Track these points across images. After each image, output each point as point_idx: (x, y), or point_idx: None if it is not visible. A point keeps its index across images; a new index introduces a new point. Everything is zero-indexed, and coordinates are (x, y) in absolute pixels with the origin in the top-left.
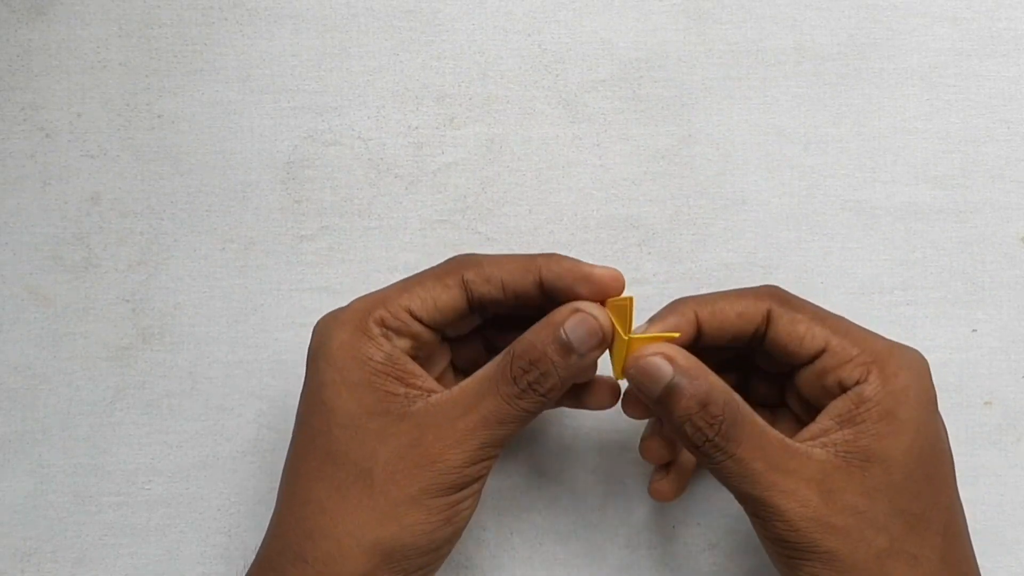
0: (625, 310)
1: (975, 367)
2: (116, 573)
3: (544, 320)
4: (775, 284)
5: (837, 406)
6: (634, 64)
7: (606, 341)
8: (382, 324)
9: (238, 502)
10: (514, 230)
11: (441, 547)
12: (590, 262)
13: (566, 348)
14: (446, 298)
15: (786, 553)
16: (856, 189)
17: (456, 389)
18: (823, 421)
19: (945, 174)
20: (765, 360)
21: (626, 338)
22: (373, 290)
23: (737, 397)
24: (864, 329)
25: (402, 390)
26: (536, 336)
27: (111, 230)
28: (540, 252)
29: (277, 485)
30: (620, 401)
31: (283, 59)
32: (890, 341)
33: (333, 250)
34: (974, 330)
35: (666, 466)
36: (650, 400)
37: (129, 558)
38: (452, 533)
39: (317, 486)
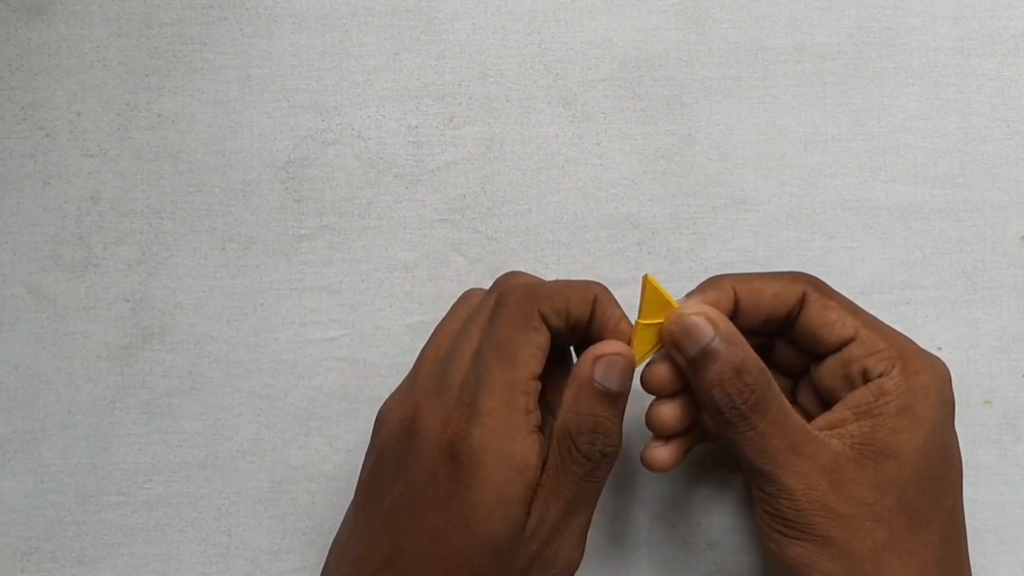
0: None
1: (975, 367)
2: (116, 572)
3: (574, 385)
4: (804, 272)
5: (856, 397)
6: (634, 63)
7: (632, 364)
8: (527, 411)
9: (238, 501)
10: (514, 229)
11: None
12: (580, 264)
13: (609, 397)
14: (543, 340)
15: (780, 530)
16: (856, 188)
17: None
18: (841, 411)
19: (945, 173)
20: (785, 351)
21: (644, 322)
22: (374, 294)
23: (769, 373)
24: (893, 329)
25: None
26: (579, 404)
27: (111, 229)
28: (582, 280)
29: (276, 484)
30: (640, 376)
31: (283, 58)
32: (914, 343)
33: (333, 249)
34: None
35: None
36: (685, 359)
37: (129, 557)
38: None
39: None
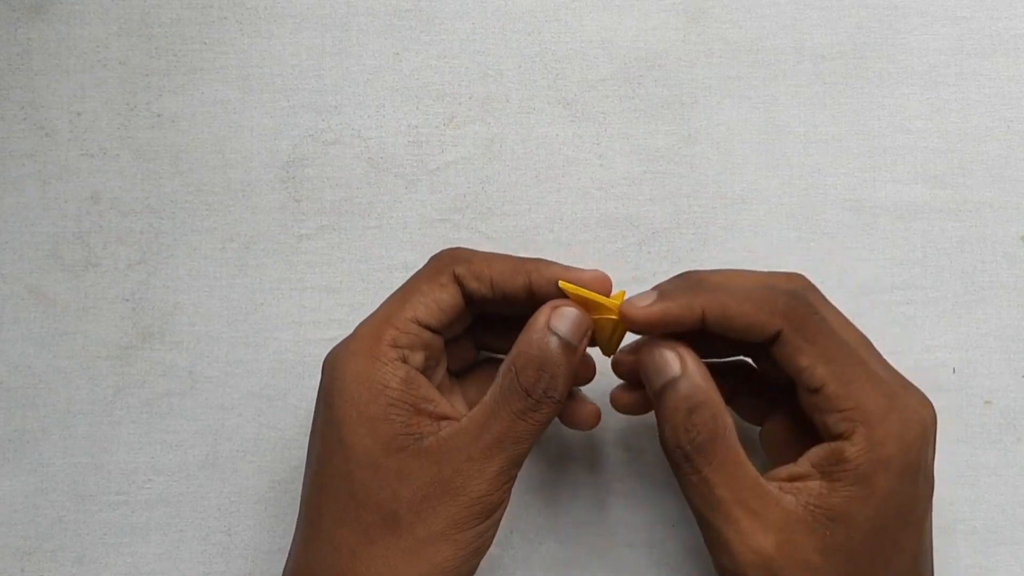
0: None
1: (975, 367)
2: (116, 572)
3: (528, 328)
4: (799, 275)
5: (817, 453)
6: (634, 63)
7: (588, 326)
8: (395, 344)
9: (238, 501)
10: (514, 229)
11: (472, 572)
12: (579, 264)
13: (564, 344)
14: (446, 297)
15: None
16: (856, 188)
17: (465, 419)
18: (804, 465)
19: (945, 173)
20: (767, 364)
21: (615, 317)
22: (375, 294)
23: (728, 422)
24: (871, 376)
25: (415, 420)
26: (530, 344)
27: (111, 229)
28: (528, 256)
29: (276, 484)
30: (610, 396)
31: (283, 58)
32: (894, 395)
33: (333, 249)
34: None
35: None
36: (650, 390)
37: (129, 557)
38: (478, 562)
39: (343, 529)
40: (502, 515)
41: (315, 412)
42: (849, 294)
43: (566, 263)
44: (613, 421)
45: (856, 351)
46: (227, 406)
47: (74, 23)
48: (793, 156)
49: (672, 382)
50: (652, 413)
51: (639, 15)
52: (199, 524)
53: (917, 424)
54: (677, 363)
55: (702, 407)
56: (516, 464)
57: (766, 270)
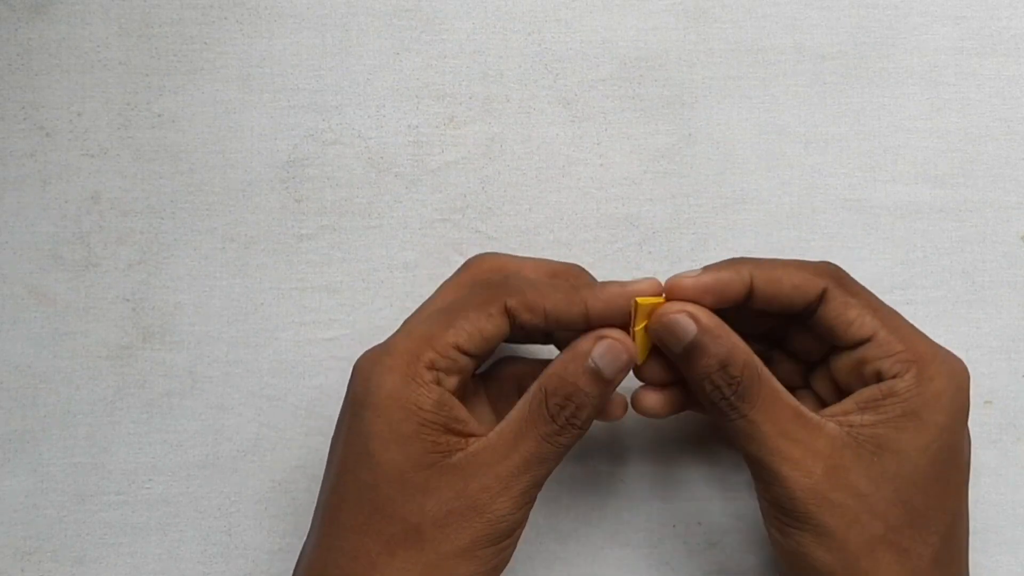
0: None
1: (975, 367)
2: (116, 572)
3: (570, 352)
4: (830, 261)
5: (865, 393)
6: (634, 63)
7: (632, 362)
8: (432, 367)
9: (238, 501)
10: (514, 229)
11: None
12: (578, 261)
13: (598, 377)
14: (491, 328)
15: (780, 519)
16: (856, 188)
17: (493, 435)
18: (847, 403)
19: (945, 173)
20: (802, 340)
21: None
22: (375, 294)
23: (757, 360)
24: (914, 328)
25: (444, 438)
26: (566, 370)
27: (111, 229)
28: (566, 263)
29: (277, 484)
30: (638, 369)
31: (283, 58)
32: (937, 346)
33: (333, 249)
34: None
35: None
36: (673, 355)
37: (129, 557)
38: None
39: (366, 540)
40: (520, 534)
41: (342, 418)
42: None
43: (565, 261)
44: (613, 422)
45: (892, 309)
46: (227, 406)
47: (74, 23)
48: (793, 156)
49: (694, 343)
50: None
51: (639, 15)
52: (199, 524)
53: (962, 372)
54: (691, 324)
55: (732, 356)
56: (539, 484)
57: None
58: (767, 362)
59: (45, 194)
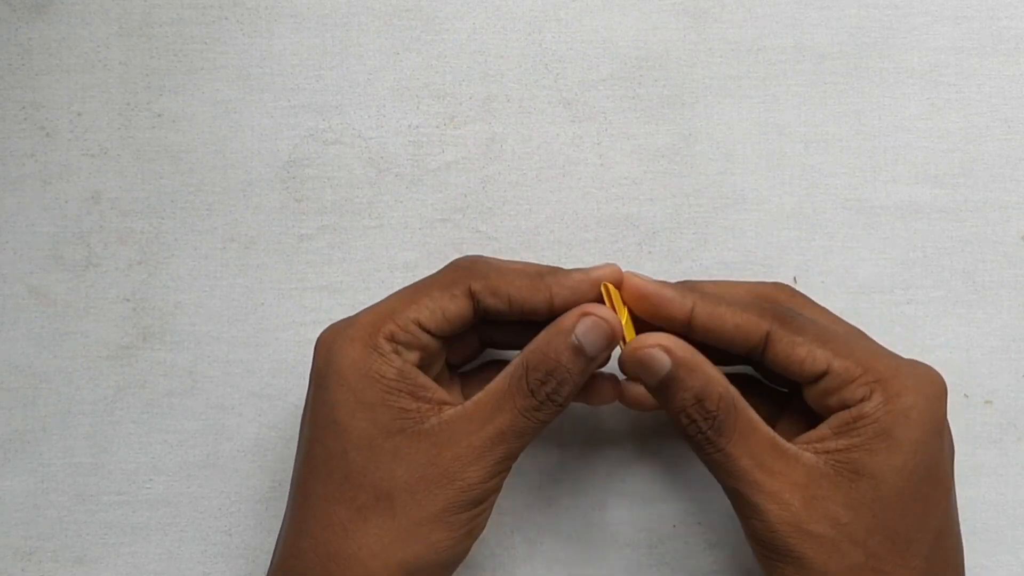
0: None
1: (975, 367)
2: (117, 572)
3: (553, 327)
4: (783, 284)
5: (839, 417)
6: (634, 63)
7: (616, 340)
8: (392, 339)
9: (239, 501)
10: (514, 229)
11: (460, 558)
12: (591, 264)
13: (580, 354)
14: (454, 308)
15: (763, 551)
16: (856, 188)
17: (470, 404)
18: (822, 429)
19: (945, 173)
20: (771, 372)
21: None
22: (375, 294)
23: (733, 391)
24: (874, 346)
25: (414, 405)
26: (548, 345)
27: (111, 229)
28: (540, 263)
29: (277, 484)
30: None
31: (283, 58)
32: (901, 360)
33: (334, 249)
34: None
35: None
36: (650, 389)
37: (130, 557)
38: (470, 544)
39: (337, 508)
40: (495, 499)
41: (308, 392)
42: (850, 294)
43: (567, 262)
44: (614, 421)
45: (849, 333)
46: (228, 406)
47: (75, 23)
48: (793, 156)
49: (669, 377)
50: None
51: (639, 15)
52: (199, 524)
53: (930, 381)
54: (665, 357)
55: (707, 389)
56: (514, 456)
57: (763, 271)
58: (746, 391)
59: (45, 194)
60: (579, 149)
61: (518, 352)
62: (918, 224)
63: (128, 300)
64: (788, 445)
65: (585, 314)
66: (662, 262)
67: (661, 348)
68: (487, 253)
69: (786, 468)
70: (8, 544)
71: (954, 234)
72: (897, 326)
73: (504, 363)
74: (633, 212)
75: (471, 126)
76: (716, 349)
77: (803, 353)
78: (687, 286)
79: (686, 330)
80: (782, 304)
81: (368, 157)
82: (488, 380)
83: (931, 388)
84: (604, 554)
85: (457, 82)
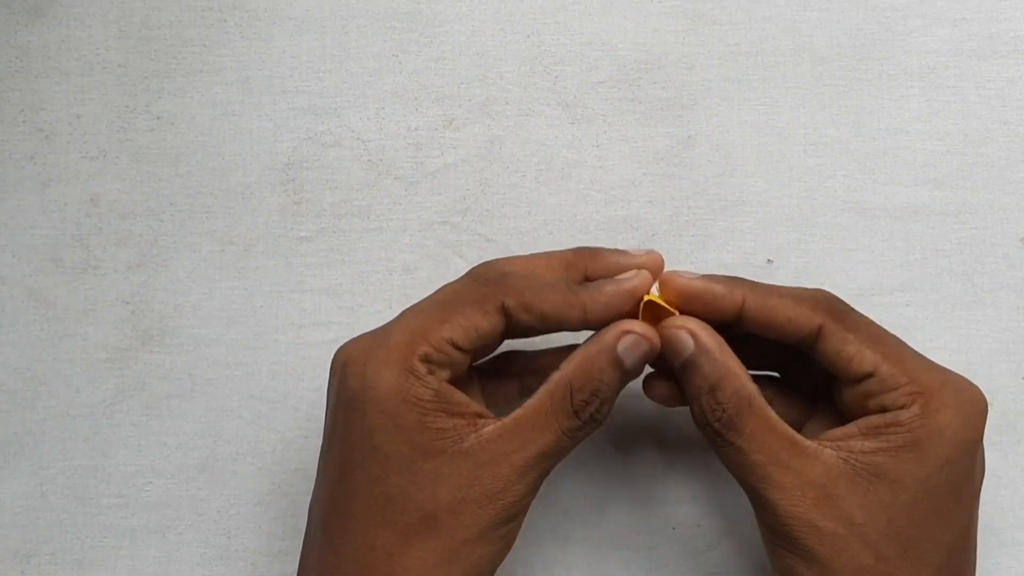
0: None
1: (975, 368)
2: (115, 575)
3: (595, 345)
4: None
5: (870, 420)
6: (633, 65)
7: (654, 356)
8: (427, 360)
9: (238, 504)
10: (514, 231)
11: (497, 567)
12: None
13: (622, 371)
14: (487, 326)
15: (773, 541)
16: (855, 190)
17: (509, 422)
18: (850, 427)
19: (945, 175)
20: (805, 372)
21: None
22: (374, 296)
23: (751, 389)
24: (920, 357)
25: (451, 423)
26: (592, 365)
27: (110, 232)
28: (569, 250)
29: (276, 487)
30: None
31: (282, 60)
32: (948, 374)
33: (333, 251)
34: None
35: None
36: (674, 369)
37: (129, 560)
38: (507, 552)
39: (380, 532)
40: (528, 508)
41: (336, 414)
42: (849, 297)
43: (568, 249)
44: (613, 424)
45: (898, 341)
46: (227, 409)
47: (73, 25)
48: (793, 158)
49: (689, 361)
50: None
51: (638, 17)
52: (198, 527)
53: (973, 401)
54: (690, 341)
55: (723, 383)
56: (550, 470)
57: (763, 273)
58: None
59: (44, 197)
60: (578, 151)
61: (538, 347)
62: (917, 226)
63: (127, 303)
64: (808, 443)
65: (626, 332)
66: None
67: (688, 332)
68: (486, 256)
69: (803, 465)
70: (7, 546)
71: (953, 236)
72: (896, 328)
73: (518, 356)
74: (632, 214)
75: (470, 128)
76: (748, 349)
77: (853, 351)
78: (736, 280)
79: (736, 322)
80: (834, 301)
81: (367, 159)
82: (505, 377)
83: (972, 408)
84: (603, 556)
85: (456, 84)
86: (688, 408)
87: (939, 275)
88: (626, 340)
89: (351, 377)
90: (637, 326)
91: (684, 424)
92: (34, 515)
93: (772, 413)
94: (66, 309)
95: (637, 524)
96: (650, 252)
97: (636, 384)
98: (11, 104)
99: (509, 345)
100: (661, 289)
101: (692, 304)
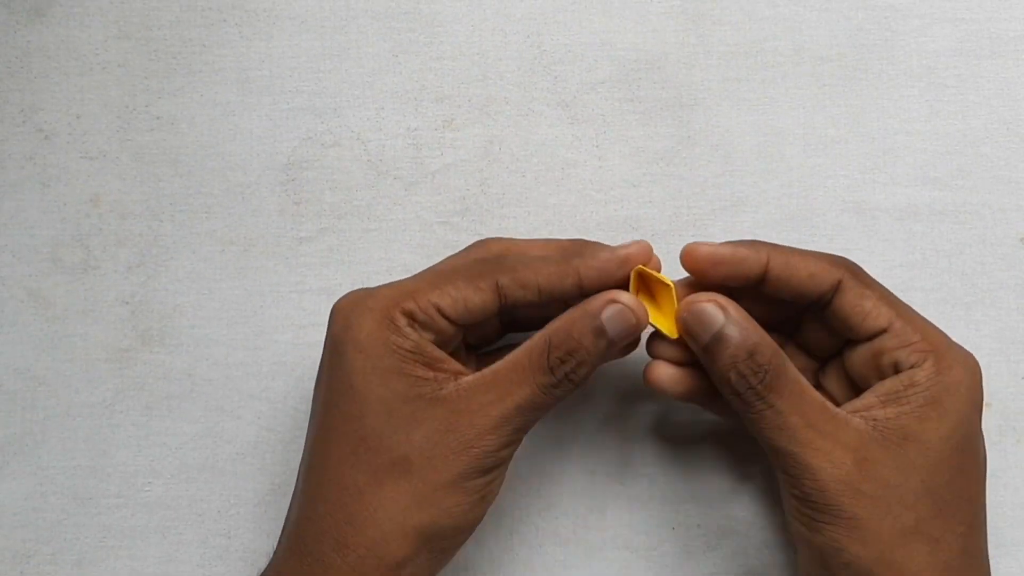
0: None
1: None
2: (115, 575)
3: (580, 309)
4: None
5: (885, 385)
6: (633, 65)
7: (640, 330)
8: (410, 316)
9: (238, 504)
10: (513, 231)
11: (475, 524)
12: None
13: (603, 338)
14: (477, 300)
15: (809, 514)
16: (855, 190)
17: (488, 373)
18: (868, 397)
19: (944, 175)
20: (814, 335)
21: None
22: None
23: (782, 353)
24: (927, 320)
25: (431, 374)
26: (573, 326)
27: (110, 232)
28: (569, 239)
29: (276, 487)
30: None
31: (282, 60)
32: (950, 338)
33: (332, 251)
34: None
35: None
36: (698, 345)
37: (128, 560)
38: (485, 509)
39: (353, 472)
40: (507, 467)
41: (323, 359)
42: None
43: (569, 239)
44: (613, 424)
45: (907, 304)
46: (226, 409)
47: (73, 26)
48: (792, 158)
49: (721, 333)
50: (662, 401)
51: (638, 17)
52: (198, 527)
53: (973, 363)
54: (719, 312)
55: (760, 346)
56: (527, 427)
57: None
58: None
59: (44, 197)
60: (578, 151)
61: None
62: (917, 226)
63: (127, 303)
64: (837, 409)
65: (612, 301)
66: (662, 264)
67: (716, 304)
68: None
69: (836, 429)
70: (7, 547)
71: (953, 236)
72: None
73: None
74: (632, 214)
75: (470, 128)
76: (754, 312)
77: (869, 306)
78: (756, 242)
79: (759, 283)
80: (850, 261)
81: (367, 159)
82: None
83: (975, 370)
84: (603, 557)
85: (456, 84)
86: (688, 406)
87: (939, 275)
88: (611, 309)
89: (337, 322)
90: (625, 297)
91: (684, 424)
92: (34, 515)
93: (804, 379)
94: (66, 309)
95: (636, 525)
96: (637, 241)
97: (636, 385)
98: (11, 104)
99: (511, 339)
100: (685, 259)
101: (719, 269)
